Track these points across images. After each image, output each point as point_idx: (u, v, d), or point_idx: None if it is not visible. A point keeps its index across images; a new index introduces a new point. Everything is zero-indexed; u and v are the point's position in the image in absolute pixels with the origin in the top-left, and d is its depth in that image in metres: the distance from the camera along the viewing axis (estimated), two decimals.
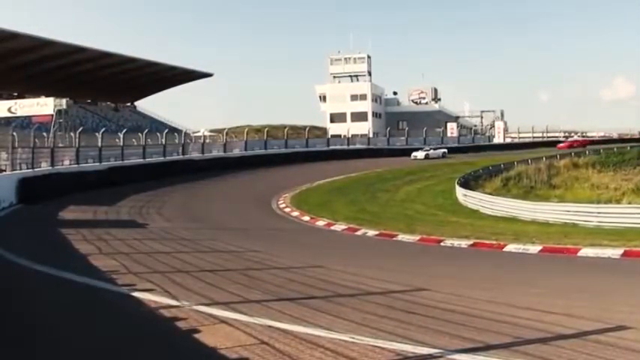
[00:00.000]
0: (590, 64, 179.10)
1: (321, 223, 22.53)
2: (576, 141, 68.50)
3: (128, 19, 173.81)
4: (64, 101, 41.07)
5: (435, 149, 58.76)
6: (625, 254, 13.64)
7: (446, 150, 59.79)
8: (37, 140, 30.67)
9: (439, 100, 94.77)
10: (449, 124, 79.13)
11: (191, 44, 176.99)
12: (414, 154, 56.58)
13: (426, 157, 55.40)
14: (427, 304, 8.46)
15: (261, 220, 23.85)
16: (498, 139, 76.66)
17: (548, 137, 79.00)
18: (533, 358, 5.77)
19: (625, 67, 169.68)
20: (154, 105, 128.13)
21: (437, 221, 22.30)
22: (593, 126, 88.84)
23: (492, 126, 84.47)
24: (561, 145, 65.78)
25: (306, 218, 23.76)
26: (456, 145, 68.65)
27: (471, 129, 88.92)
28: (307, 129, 64.73)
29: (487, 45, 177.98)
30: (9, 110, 41.47)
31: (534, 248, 15.05)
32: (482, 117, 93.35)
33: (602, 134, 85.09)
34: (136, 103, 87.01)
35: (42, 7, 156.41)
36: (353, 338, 6.34)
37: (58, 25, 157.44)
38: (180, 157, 43.35)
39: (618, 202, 27.76)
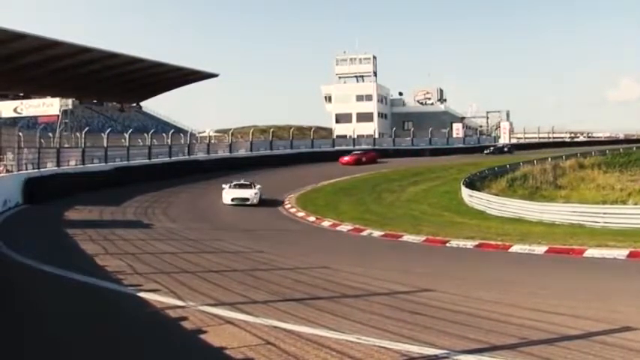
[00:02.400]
0: (595, 64, 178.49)
1: (326, 223, 22.53)
2: (365, 154, 52.55)
3: (133, 20, 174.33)
4: (69, 101, 41.21)
5: None
6: (631, 255, 13.59)
7: None
8: (42, 140, 30.77)
9: (445, 100, 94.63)
10: (454, 125, 78.92)
11: (196, 44, 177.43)
12: None
13: None
14: (433, 304, 8.46)
15: (267, 220, 23.88)
16: (504, 140, 76.49)
17: (554, 138, 78.81)
18: (539, 359, 5.76)
19: (631, 68, 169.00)
20: (159, 105, 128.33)
21: (442, 222, 22.28)
22: (599, 126, 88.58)
23: (498, 126, 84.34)
24: (345, 159, 50.44)
25: (312, 219, 23.78)
26: (461, 145, 68.48)
27: (476, 129, 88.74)
28: (313, 130, 64.68)
29: (492, 45, 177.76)
30: (15, 110, 41.64)
31: (540, 249, 15.01)
32: (487, 117, 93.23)
33: (607, 134, 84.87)
34: (141, 104, 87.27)
35: (46, 8, 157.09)
36: (359, 339, 6.34)
37: (63, 25, 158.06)
38: (186, 157, 43.41)
39: (624, 202, 27.68)
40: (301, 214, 25.27)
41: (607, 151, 50.93)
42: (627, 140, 75.32)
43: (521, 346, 6.15)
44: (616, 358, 5.79)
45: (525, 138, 79.47)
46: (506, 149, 62.03)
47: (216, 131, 67.83)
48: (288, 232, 21.16)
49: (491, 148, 62.98)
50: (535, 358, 5.79)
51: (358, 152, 53.09)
